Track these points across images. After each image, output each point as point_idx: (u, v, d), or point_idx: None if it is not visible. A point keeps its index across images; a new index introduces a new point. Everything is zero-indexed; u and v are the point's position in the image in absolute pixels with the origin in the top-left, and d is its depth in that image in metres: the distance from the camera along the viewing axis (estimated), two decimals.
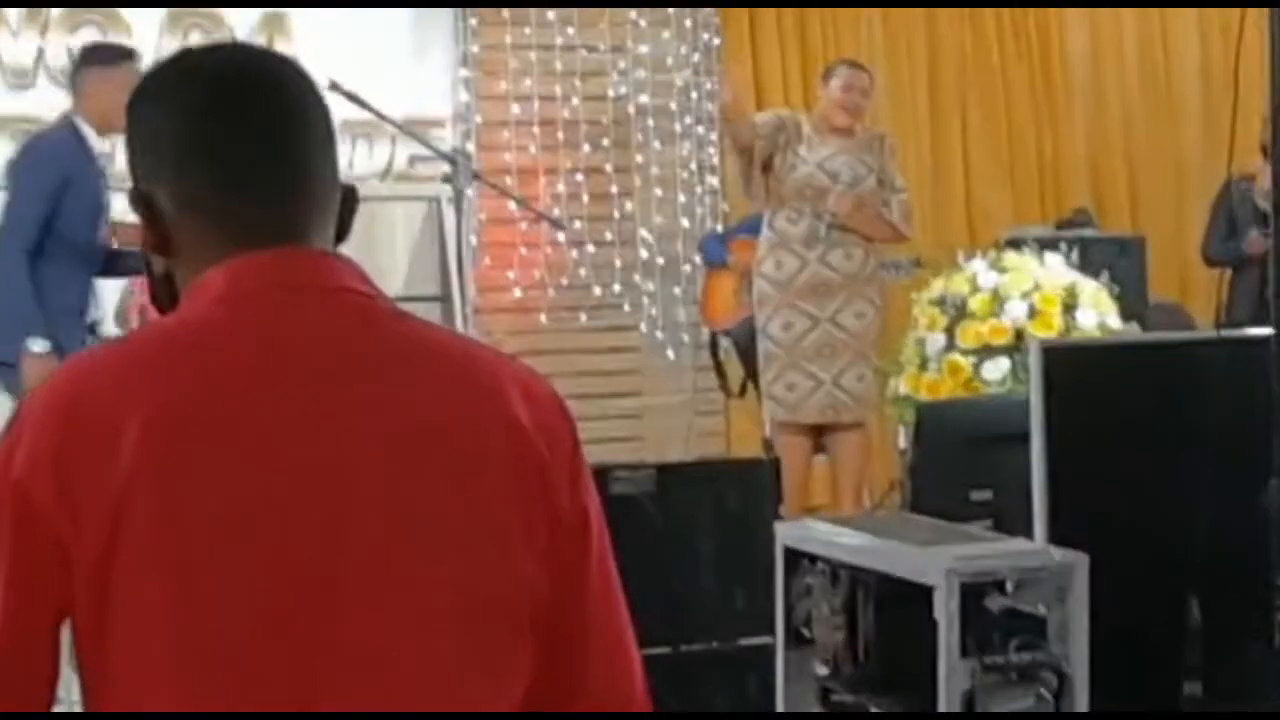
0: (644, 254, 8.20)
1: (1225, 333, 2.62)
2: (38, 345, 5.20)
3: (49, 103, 7.44)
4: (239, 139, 1.62)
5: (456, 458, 1.57)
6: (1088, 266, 5.93)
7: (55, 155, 5.51)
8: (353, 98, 5.11)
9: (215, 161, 1.61)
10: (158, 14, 7.60)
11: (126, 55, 5.64)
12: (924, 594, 2.27)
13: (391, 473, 1.54)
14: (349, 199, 1.69)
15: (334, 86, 5.01)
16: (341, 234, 1.68)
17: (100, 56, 5.69)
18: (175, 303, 1.63)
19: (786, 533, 2.59)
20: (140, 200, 1.63)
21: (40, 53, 7.47)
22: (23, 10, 7.41)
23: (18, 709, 1.50)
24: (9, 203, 5.50)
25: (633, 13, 8.25)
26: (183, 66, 1.68)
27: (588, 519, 1.66)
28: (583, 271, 8.13)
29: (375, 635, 1.51)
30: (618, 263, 8.17)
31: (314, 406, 1.53)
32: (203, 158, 1.61)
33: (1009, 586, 2.29)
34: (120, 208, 6.94)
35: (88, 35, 7.48)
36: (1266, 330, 2.40)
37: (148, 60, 7.44)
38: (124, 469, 1.46)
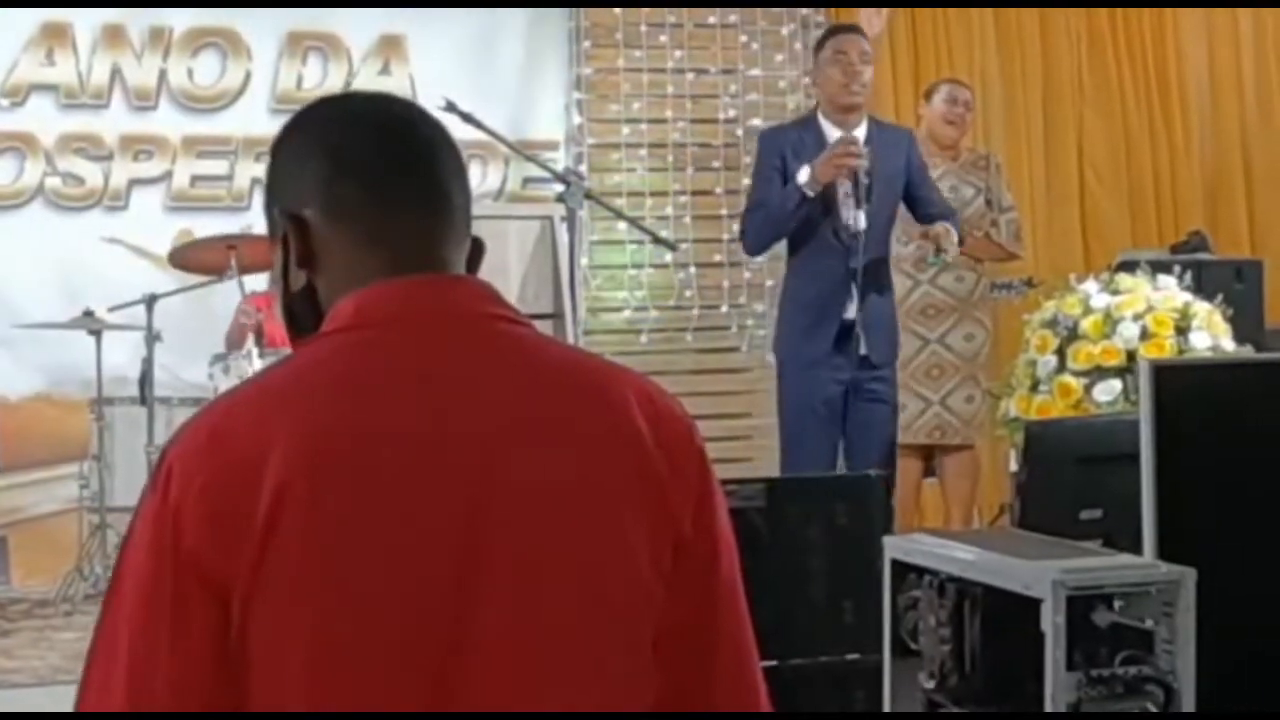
0: (749, 275, 8.22)
1: None
2: None
3: (171, 124, 7.63)
4: (388, 155, 1.68)
5: (587, 478, 1.59)
6: (1202, 290, 5.88)
7: None
8: (467, 118, 5.18)
9: (366, 173, 1.66)
10: (276, 37, 7.73)
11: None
12: (1031, 606, 2.28)
13: (523, 498, 1.56)
14: (477, 250, 1.73)
15: (450, 107, 5.08)
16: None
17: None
18: (316, 319, 1.66)
19: (894, 545, 2.61)
20: (288, 217, 1.67)
21: (163, 74, 7.62)
22: (146, 32, 7.56)
23: None
24: None
25: (744, 36, 8.29)
26: (325, 102, 1.76)
27: (716, 540, 1.67)
28: (688, 293, 8.16)
29: (508, 659, 1.53)
30: (725, 284, 8.20)
31: (448, 431, 1.56)
32: (354, 170, 1.66)
33: (1116, 600, 2.29)
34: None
35: (209, 58, 7.65)
36: None
37: (268, 76, 7.65)
38: (266, 502, 1.49)
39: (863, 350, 5.43)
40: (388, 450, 1.54)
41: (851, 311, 5.43)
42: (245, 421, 1.55)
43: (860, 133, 5.51)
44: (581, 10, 8.10)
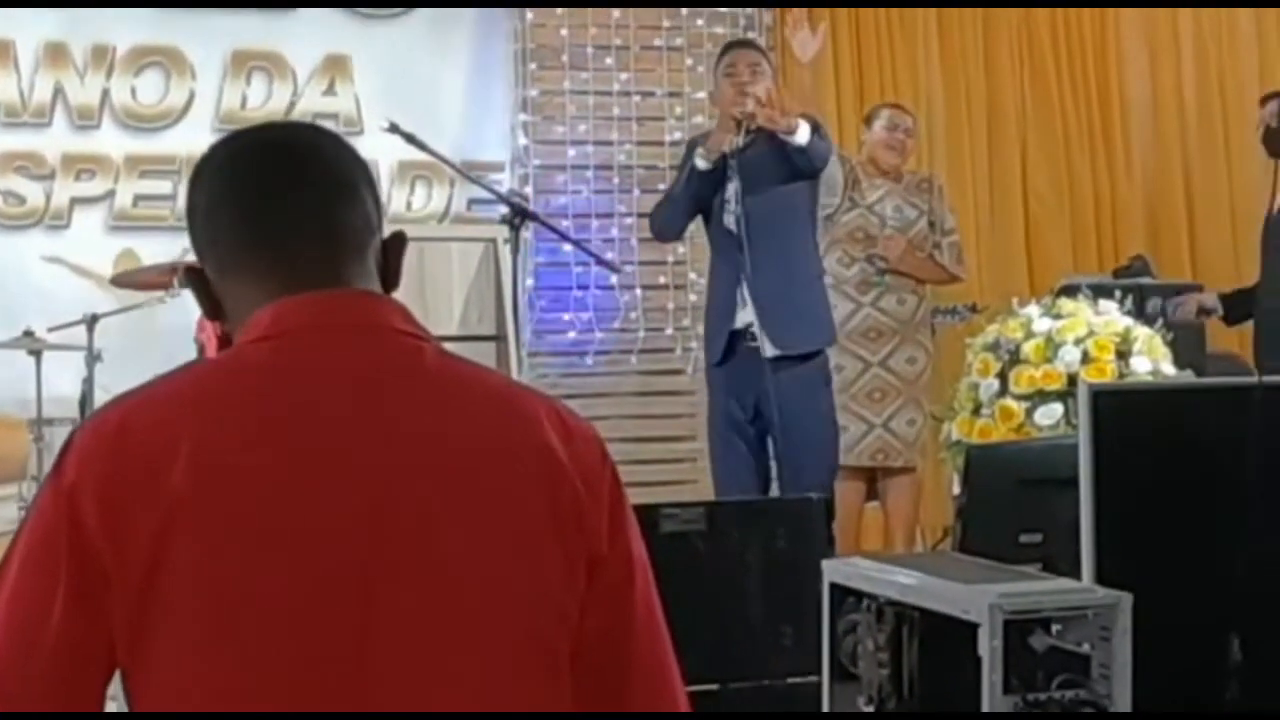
0: (694, 298, 8.23)
1: (1269, 379, 2.63)
2: None
3: (114, 143, 7.57)
4: (260, 196, 1.69)
5: (494, 493, 1.60)
6: (1144, 314, 5.92)
7: None
8: (410, 139, 5.17)
9: (241, 220, 1.68)
10: (221, 56, 7.70)
11: None
12: (968, 630, 2.28)
13: (428, 506, 1.57)
14: (395, 245, 1.73)
15: (393, 128, 5.08)
16: (391, 278, 1.73)
17: None
18: None
19: (833, 569, 2.61)
20: (189, 273, 1.71)
21: (105, 93, 7.57)
22: (89, 50, 7.51)
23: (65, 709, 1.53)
24: None
25: (689, 59, 8.31)
26: (214, 148, 1.77)
27: (630, 560, 1.68)
28: (633, 314, 8.16)
29: (411, 666, 1.53)
30: (670, 306, 8.20)
31: (353, 440, 1.57)
32: (230, 220, 1.69)
33: (1053, 624, 2.30)
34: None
35: (153, 77, 7.60)
36: None
37: (212, 96, 7.61)
38: (167, 500, 1.50)
39: (767, 352, 5.39)
40: (289, 461, 1.54)
41: (744, 317, 5.44)
42: (154, 419, 1.56)
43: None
44: (527, 32, 8.10)
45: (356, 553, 1.53)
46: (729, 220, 5.48)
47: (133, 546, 1.50)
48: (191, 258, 1.74)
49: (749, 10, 8.39)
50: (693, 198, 5.51)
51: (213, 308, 1.70)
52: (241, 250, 1.67)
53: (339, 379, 1.60)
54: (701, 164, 5.43)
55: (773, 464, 5.55)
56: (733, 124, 5.43)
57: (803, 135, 5.42)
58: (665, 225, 5.79)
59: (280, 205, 1.68)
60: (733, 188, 5.46)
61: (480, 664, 1.56)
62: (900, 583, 2.44)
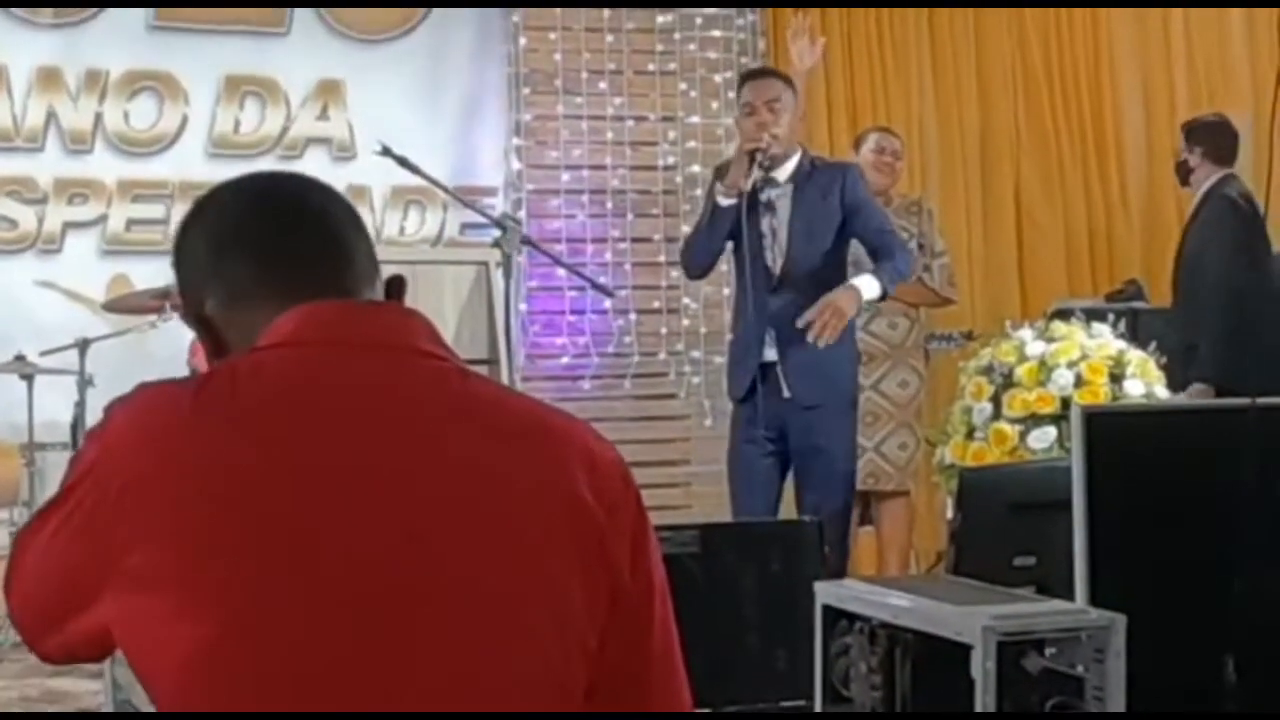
0: (688, 322, 8.23)
1: (1262, 400, 2.63)
2: None
3: (106, 167, 7.58)
4: (269, 225, 1.69)
5: (517, 528, 1.58)
6: (1137, 338, 5.92)
7: None
8: (403, 161, 5.16)
9: (250, 249, 1.68)
10: (214, 80, 7.71)
11: None
12: (962, 652, 2.27)
13: (450, 537, 1.55)
14: (396, 286, 1.72)
15: (385, 151, 5.07)
16: None
17: None
18: None
19: (826, 591, 2.59)
20: (193, 319, 1.71)
21: (98, 117, 7.58)
22: (82, 75, 7.51)
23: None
24: None
25: (683, 83, 8.33)
26: (208, 195, 1.77)
27: (651, 586, 1.66)
28: (627, 339, 8.16)
29: (432, 690, 1.51)
30: (664, 330, 8.20)
31: (375, 460, 1.55)
32: (238, 250, 1.68)
33: (1047, 646, 2.29)
34: None
35: (146, 102, 7.61)
36: None
37: (205, 120, 7.62)
38: (185, 502, 1.49)
39: (785, 393, 5.37)
40: (317, 475, 1.53)
41: (769, 354, 5.39)
42: (182, 418, 1.55)
43: (789, 168, 5.43)
44: (521, 57, 8.11)
45: (374, 576, 1.51)
46: (770, 258, 5.40)
47: (144, 538, 1.49)
48: None
49: (742, 37, 8.41)
50: (719, 234, 5.43)
51: (219, 348, 1.69)
52: (252, 280, 1.66)
53: (360, 396, 1.58)
54: (724, 201, 5.36)
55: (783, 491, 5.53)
56: (746, 159, 5.34)
57: (872, 292, 5.34)
58: (694, 263, 5.66)
59: (289, 234, 1.68)
60: (780, 225, 5.37)
61: (496, 692, 1.54)
62: (893, 605, 2.43)
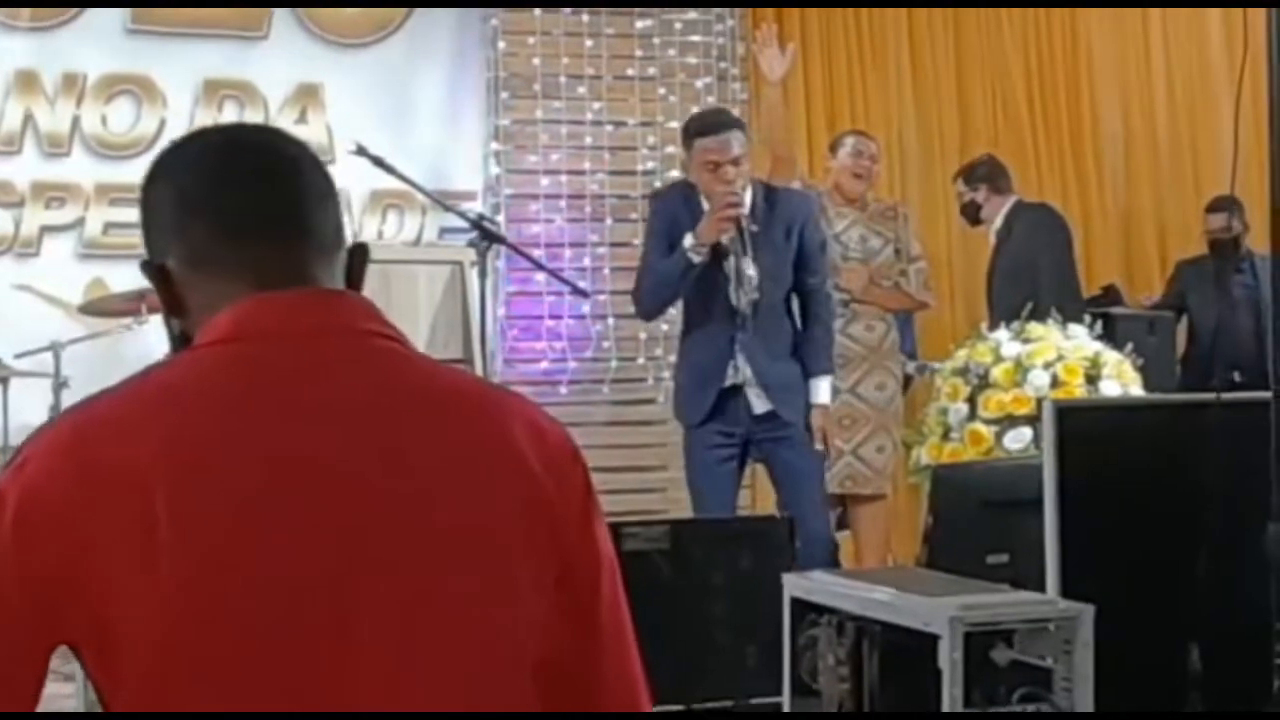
0: (666, 328, 8.22)
1: (1227, 395, 2.64)
2: None
3: (84, 170, 7.55)
4: (235, 191, 1.67)
5: (466, 500, 1.57)
6: (1115, 342, 5.93)
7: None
8: (378, 161, 5.16)
9: (215, 215, 1.66)
10: (192, 84, 7.68)
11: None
12: (930, 643, 2.27)
13: (399, 513, 1.54)
14: (359, 255, 1.72)
15: (360, 151, 5.07)
16: (355, 288, 1.71)
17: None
18: None
19: (794, 584, 2.59)
20: (152, 269, 1.68)
21: (76, 121, 7.55)
22: (59, 78, 7.49)
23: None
24: None
25: (662, 89, 8.32)
26: (179, 144, 1.75)
27: (599, 560, 1.66)
28: (606, 344, 8.15)
29: (385, 671, 1.51)
30: (642, 336, 8.19)
31: (322, 453, 1.54)
32: (203, 213, 1.66)
33: (1015, 637, 2.28)
34: None
35: (123, 105, 7.58)
36: (1266, 394, 2.47)
37: (183, 124, 7.59)
38: (127, 516, 1.47)
39: (756, 410, 5.35)
40: (260, 468, 1.51)
41: (732, 379, 5.37)
42: (114, 427, 1.52)
43: (745, 199, 5.36)
44: (500, 61, 8.10)
45: (329, 560, 1.50)
46: (739, 299, 5.35)
47: (90, 559, 1.46)
48: None
49: (721, 42, 8.41)
50: (687, 285, 5.40)
51: (175, 304, 1.67)
52: (215, 245, 1.64)
53: (310, 386, 1.57)
54: (696, 258, 5.30)
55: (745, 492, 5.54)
56: (725, 224, 5.26)
57: (829, 393, 5.53)
58: (653, 309, 5.73)
59: (254, 203, 1.66)
60: (749, 271, 5.30)
61: (451, 668, 1.53)
62: (861, 596, 2.42)
